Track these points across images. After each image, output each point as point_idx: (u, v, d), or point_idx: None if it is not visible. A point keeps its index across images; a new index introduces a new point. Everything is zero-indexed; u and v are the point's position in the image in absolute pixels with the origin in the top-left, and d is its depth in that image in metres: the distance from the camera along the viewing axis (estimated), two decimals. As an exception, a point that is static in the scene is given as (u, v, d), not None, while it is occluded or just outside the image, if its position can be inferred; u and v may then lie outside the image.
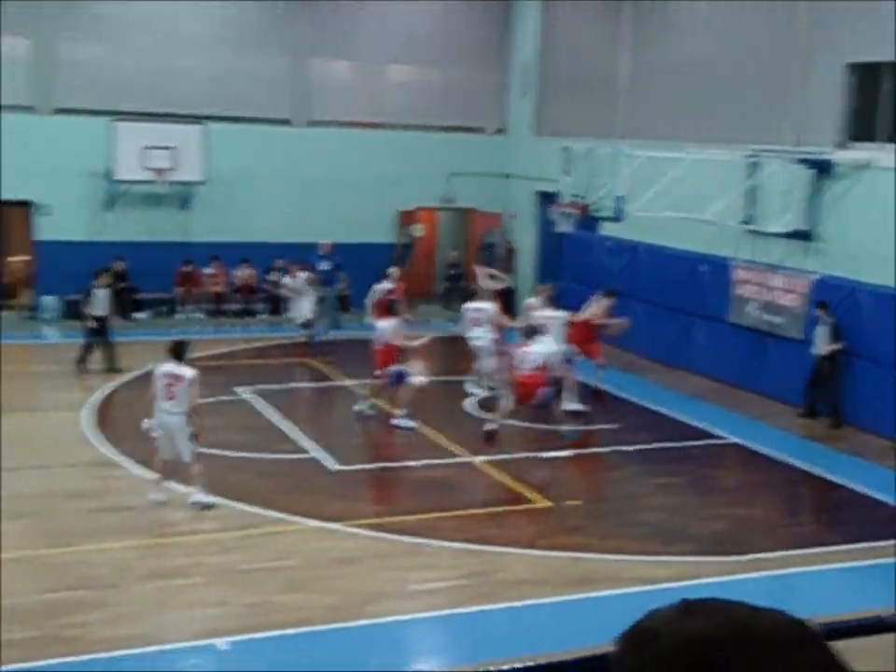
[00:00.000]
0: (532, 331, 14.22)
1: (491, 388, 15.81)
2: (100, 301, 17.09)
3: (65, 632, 8.49)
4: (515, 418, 15.49)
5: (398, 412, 14.70)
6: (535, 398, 13.83)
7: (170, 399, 10.96)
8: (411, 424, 14.60)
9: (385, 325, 14.85)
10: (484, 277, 18.85)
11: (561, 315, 15.78)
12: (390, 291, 17.83)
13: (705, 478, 13.30)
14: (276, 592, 9.42)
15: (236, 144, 22.23)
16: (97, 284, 17.10)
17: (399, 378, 14.66)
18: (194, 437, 11.08)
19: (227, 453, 13.11)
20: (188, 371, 11.00)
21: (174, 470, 11.31)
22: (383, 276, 18.87)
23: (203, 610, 9.09)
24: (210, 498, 11.18)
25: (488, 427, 13.80)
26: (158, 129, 21.22)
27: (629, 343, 19.02)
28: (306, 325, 19.49)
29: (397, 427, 14.56)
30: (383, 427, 14.82)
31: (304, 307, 19.46)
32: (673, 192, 16.84)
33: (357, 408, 15.12)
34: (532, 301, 16.95)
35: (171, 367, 11.07)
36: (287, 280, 20.38)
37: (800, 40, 17.05)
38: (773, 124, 17.54)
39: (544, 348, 13.95)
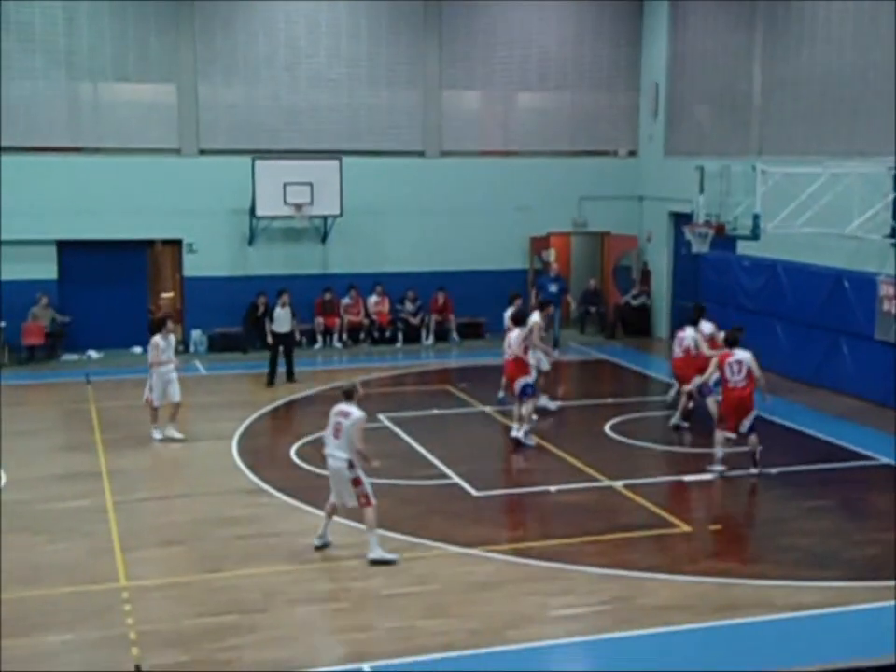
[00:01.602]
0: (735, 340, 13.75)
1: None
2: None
3: (217, 656, 8.76)
4: (656, 441, 15.35)
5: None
6: (749, 413, 13.42)
7: (336, 437, 10.72)
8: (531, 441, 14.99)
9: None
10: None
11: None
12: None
13: (855, 501, 12.85)
14: (418, 616, 9.53)
15: (371, 177, 22.73)
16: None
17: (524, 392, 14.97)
18: (356, 482, 10.71)
19: (370, 480, 13.32)
20: (355, 411, 10.78)
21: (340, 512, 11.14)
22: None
23: (348, 635, 9.26)
24: (390, 555, 10.73)
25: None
26: (296, 165, 21.85)
27: (771, 364, 18.58)
28: None
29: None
30: (522, 452, 14.85)
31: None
32: (812, 208, 16.46)
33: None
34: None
35: (342, 405, 10.85)
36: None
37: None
38: (916, 133, 16.97)
39: (749, 355, 13.51)
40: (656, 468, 14.20)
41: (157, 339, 15.42)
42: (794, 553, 11.03)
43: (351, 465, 10.65)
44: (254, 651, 8.82)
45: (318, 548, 11.01)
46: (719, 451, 13.55)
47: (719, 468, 13.48)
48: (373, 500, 10.75)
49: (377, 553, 10.67)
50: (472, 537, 11.35)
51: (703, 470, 13.61)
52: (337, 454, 10.72)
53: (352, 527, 11.67)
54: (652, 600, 9.82)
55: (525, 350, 15.20)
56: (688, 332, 15.75)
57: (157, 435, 15.39)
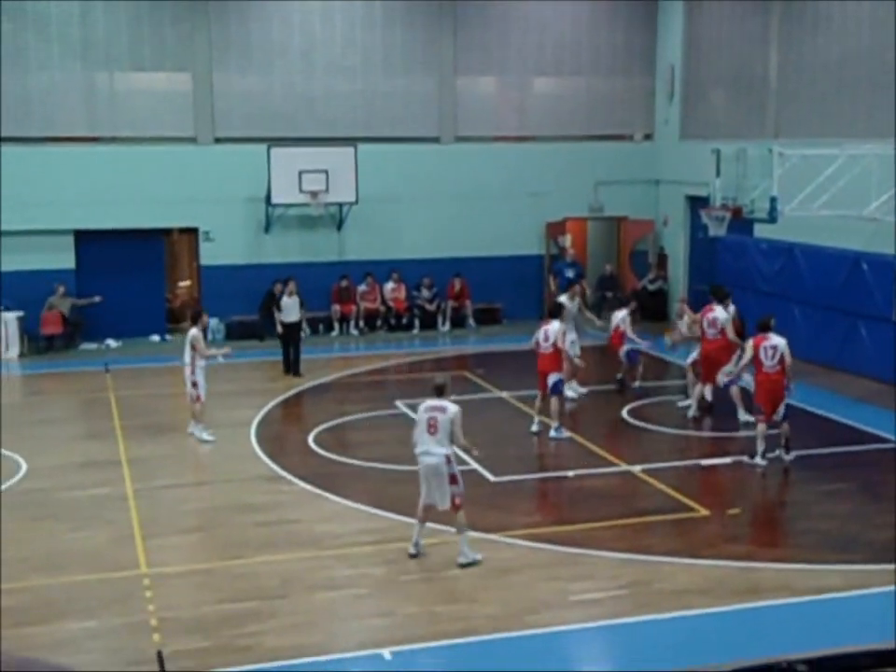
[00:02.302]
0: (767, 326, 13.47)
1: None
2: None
3: (238, 641, 8.82)
4: (674, 426, 15.31)
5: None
6: (783, 400, 13.16)
7: (432, 433, 10.35)
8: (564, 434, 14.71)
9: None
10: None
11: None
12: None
13: (875, 484, 12.80)
14: (438, 602, 9.56)
15: (386, 163, 22.71)
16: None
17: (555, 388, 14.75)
18: (454, 479, 10.34)
19: (388, 466, 13.39)
20: (450, 405, 10.46)
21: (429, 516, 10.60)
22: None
23: (368, 621, 9.30)
24: (476, 555, 10.37)
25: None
26: (311, 153, 21.84)
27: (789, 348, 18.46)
28: None
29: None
30: (539, 438, 14.85)
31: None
32: (829, 190, 16.36)
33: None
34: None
35: (434, 401, 10.53)
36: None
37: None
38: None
39: (784, 341, 13.27)
40: (674, 452, 14.18)
41: (196, 332, 14.87)
42: (814, 537, 11.02)
43: (448, 460, 10.32)
44: (274, 638, 8.88)
45: (413, 556, 10.47)
46: (760, 444, 13.23)
47: (761, 461, 13.22)
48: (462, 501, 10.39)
49: (468, 557, 10.30)
50: (491, 522, 11.36)
51: (723, 454, 13.58)
52: (434, 450, 10.31)
53: (371, 513, 11.74)
54: (671, 584, 9.82)
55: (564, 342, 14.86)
56: (719, 312, 15.22)
57: (205, 437, 14.78)
